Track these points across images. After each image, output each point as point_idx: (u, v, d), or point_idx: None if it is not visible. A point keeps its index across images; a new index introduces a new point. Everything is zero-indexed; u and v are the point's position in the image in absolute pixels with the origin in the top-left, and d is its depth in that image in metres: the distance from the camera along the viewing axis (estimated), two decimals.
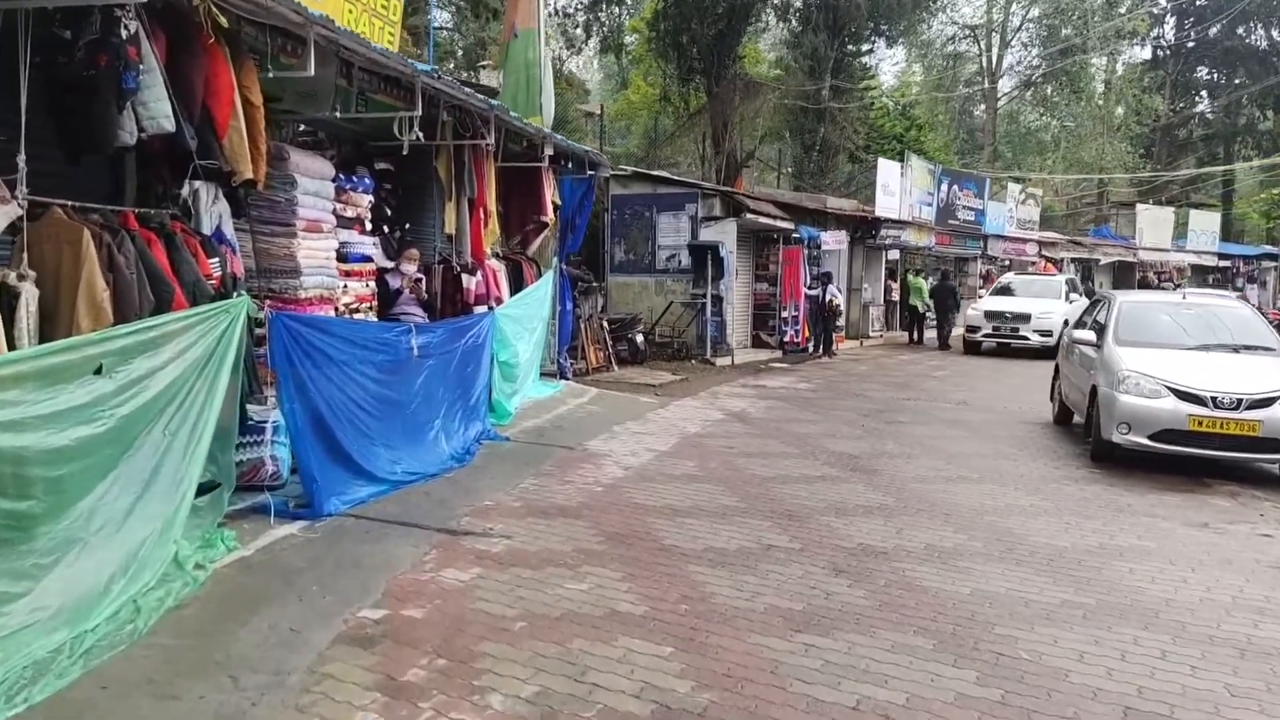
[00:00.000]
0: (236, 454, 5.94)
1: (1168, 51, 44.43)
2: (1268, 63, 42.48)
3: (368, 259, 8.25)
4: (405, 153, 8.13)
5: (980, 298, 24.63)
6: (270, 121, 6.41)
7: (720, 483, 7.75)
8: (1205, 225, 41.55)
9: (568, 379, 12.65)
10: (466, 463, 7.91)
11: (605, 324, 15.74)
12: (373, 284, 8.35)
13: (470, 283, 9.43)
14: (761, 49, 35.04)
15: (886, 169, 24.05)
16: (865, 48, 31.58)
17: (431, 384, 7.89)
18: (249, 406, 6.28)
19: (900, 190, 24.58)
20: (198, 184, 5.73)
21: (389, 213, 8.85)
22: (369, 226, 8.16)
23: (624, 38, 28.03)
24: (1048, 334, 20.47)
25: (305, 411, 6.08)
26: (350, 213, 7.84)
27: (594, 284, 18.99)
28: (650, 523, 6.46)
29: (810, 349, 20.18)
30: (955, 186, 28.01)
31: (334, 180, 7.55)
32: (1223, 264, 41.73)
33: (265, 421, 6.31)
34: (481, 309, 9.60)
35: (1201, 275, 41.67)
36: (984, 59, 42.42)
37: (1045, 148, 40.21)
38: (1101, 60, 41.37)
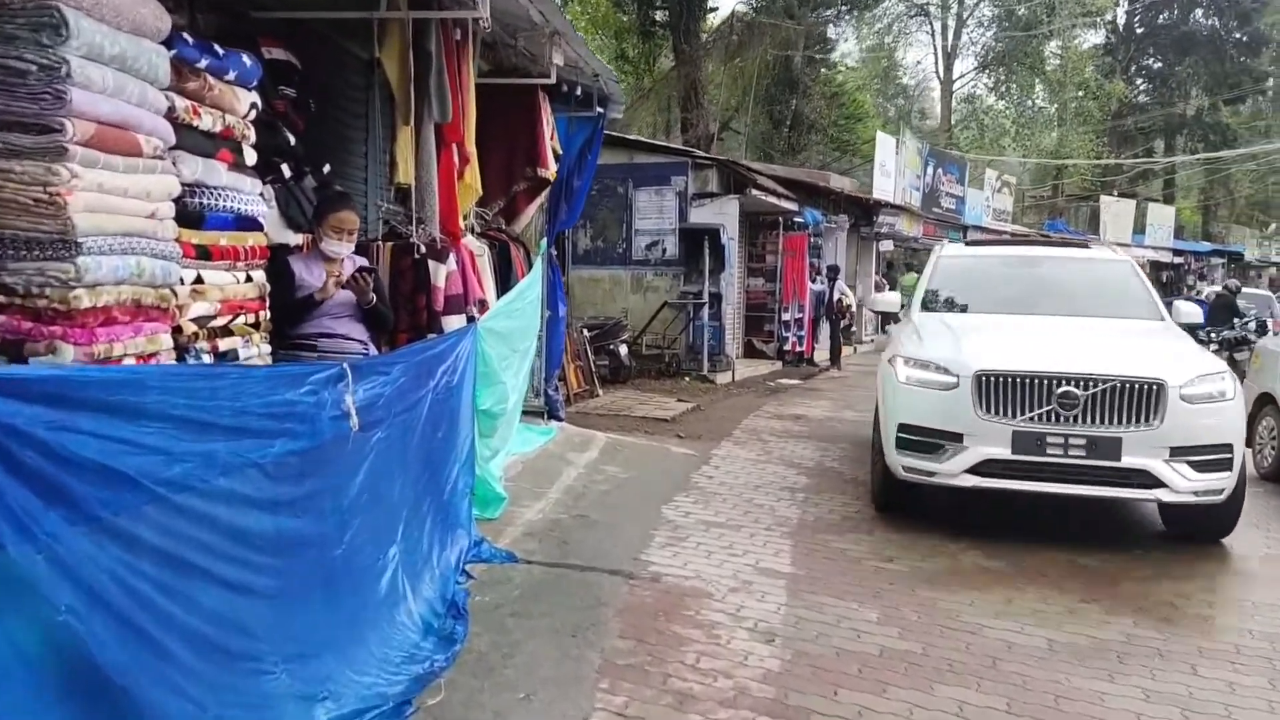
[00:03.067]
0: None
1: (1119, 38, 42.61)
2: (1221, 50, 41.01)
3: (252, 223, 4.10)
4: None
5: None
6: None
7: (957, 668, 3.94)
8: (1163, 219, 39.86)
9: (560, 418, 8.64)
10: (456, 642, 3.89)
11: (585, 332, 11.74)
12: (261, 276, 4.20)
13: (441, 274, 5.36)
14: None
15: (884, 145, 20.69)
16: (829, 12, 28.21)
17: (381, 482, 3.83)
18: None
19: (895, 170, 21.26)
20: None
21: (291, 141, 4.69)
22: (251, 158, 4.00)
23: None
24: None
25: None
26: (210, 123, 3.69)
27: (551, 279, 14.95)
28: None
29: (812, 359, 16.57)
30: (940, 170, 24.92)
31: (171, 46, 3.43)
32: (1176, 260, 40.13)
33: None
34: (455, 321, 5.55)
35: (1158, 272, 40.07)
36: (937, 41, 39.77)
37: (1004, 133, 37.72)
38: (1056, 45, 39.22)
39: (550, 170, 7.06)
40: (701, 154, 14.82)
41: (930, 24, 39.58)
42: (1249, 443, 7.31)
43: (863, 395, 12.95)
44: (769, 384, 14.06)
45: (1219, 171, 45.41)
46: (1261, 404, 8.21)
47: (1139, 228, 37.88)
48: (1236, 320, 15.00)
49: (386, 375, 3.90)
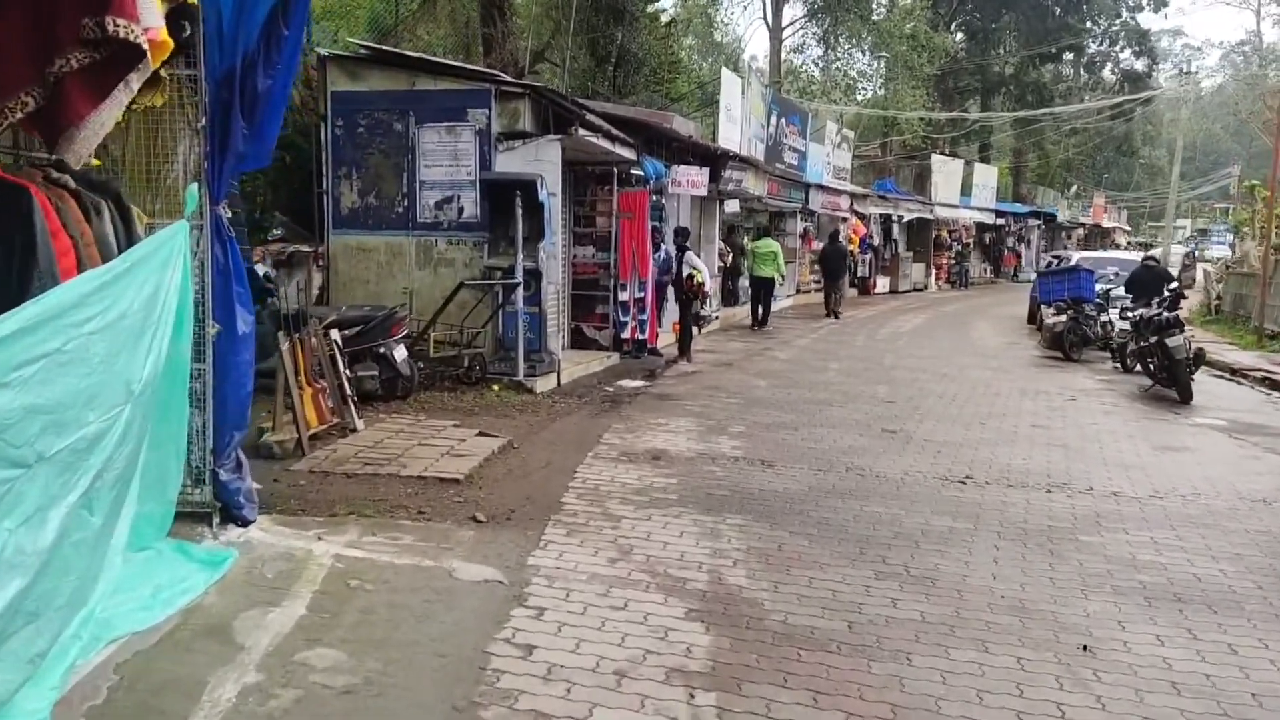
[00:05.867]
0: None
1: None
2: (1040, 7, 40.48)
3: None
4: None
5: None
6: None
7: None
8: (987, 180, 39.16)
9: (245, 519, 4.73)
10: None
11: (334, 335, 7.71)
12: None
13: None
14: None
15: (729, 85, 17.43)
16: None
17: None
18: None
19: (741, 117, 18.06)
20: None
21: None
22: None
23: None
24: None
25: None
26: None
27: (303, 250, 10.79)
28: None
29: (656, 349, 13.16)
30: (784, 120, 22.02)
31: None
32: (999, 222, 39.64)
33: None
34: None
35: (981, 234, 39.45)
36: None
37: (835, 85, 35.55)
38: None
39: (142, 27, 3.09)
40: (510, 80, 10.95)
41: None
42: None
43: (734, 406, 9.62)
44: (607, 389, 10.51)
45: (1033, 134, 45.50)
46: None
47: (965, 189, 36.92)
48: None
49: None
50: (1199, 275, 34.19)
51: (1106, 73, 50.81)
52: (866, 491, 6.59)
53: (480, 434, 7.64)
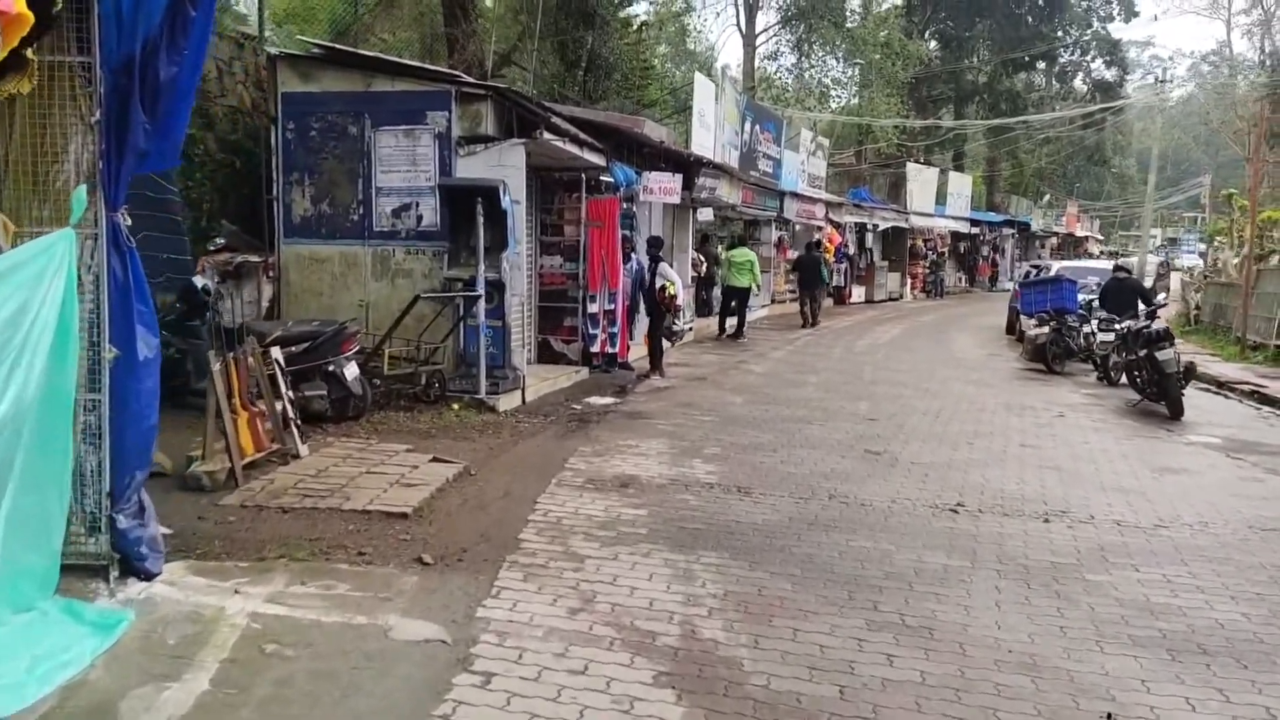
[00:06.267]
0: None
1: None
2: (1013, 15, 40.43)
3: None
4: None
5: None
6: None
7: None
8: (962, 188, 38.99)
9: (148, 573, 4.13)
10: None
11: (275, 353, 7.09)
12: None
13: None
14: None
15: (703, 90, 16.98)
16: None
17: None
18: None
19: (715, 123, 17.60)
20: None
21: None
22: None
23: None
24: None
25: None
26: None
27: (253, 260, 10.18)
28: None
29: (627, 363, 12.63)
30: (758, 127, 21.59)
31: None
32: (973, 231, 39.47)
33: None
34: None
35: (957, 243, 39.23)
36: None
37: (810, 93, 35.22)
38: (858, 3, 37.27)
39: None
40: (470, 81, 10.38)
41: None
42: None
43: (709, 424, 9.10)
44: (574, 407, 9.96)
45: (1006, 143, 45.47)
46: None
47: (940, 197, 36.72)
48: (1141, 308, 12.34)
49: None
50: (1175, 284, 34.15)
51: (1078, 82, 51.03)
52: (852, 522, 6.08)
53: (434, 460, 7.06)
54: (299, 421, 7.00)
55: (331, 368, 8.15)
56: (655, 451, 7.97)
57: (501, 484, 6.70)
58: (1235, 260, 21.20)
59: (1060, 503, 6.74)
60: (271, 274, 10.30)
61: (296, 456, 6.86)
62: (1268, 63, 40.35)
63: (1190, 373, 10.80)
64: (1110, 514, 6.48)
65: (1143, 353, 10.69)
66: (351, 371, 8.29)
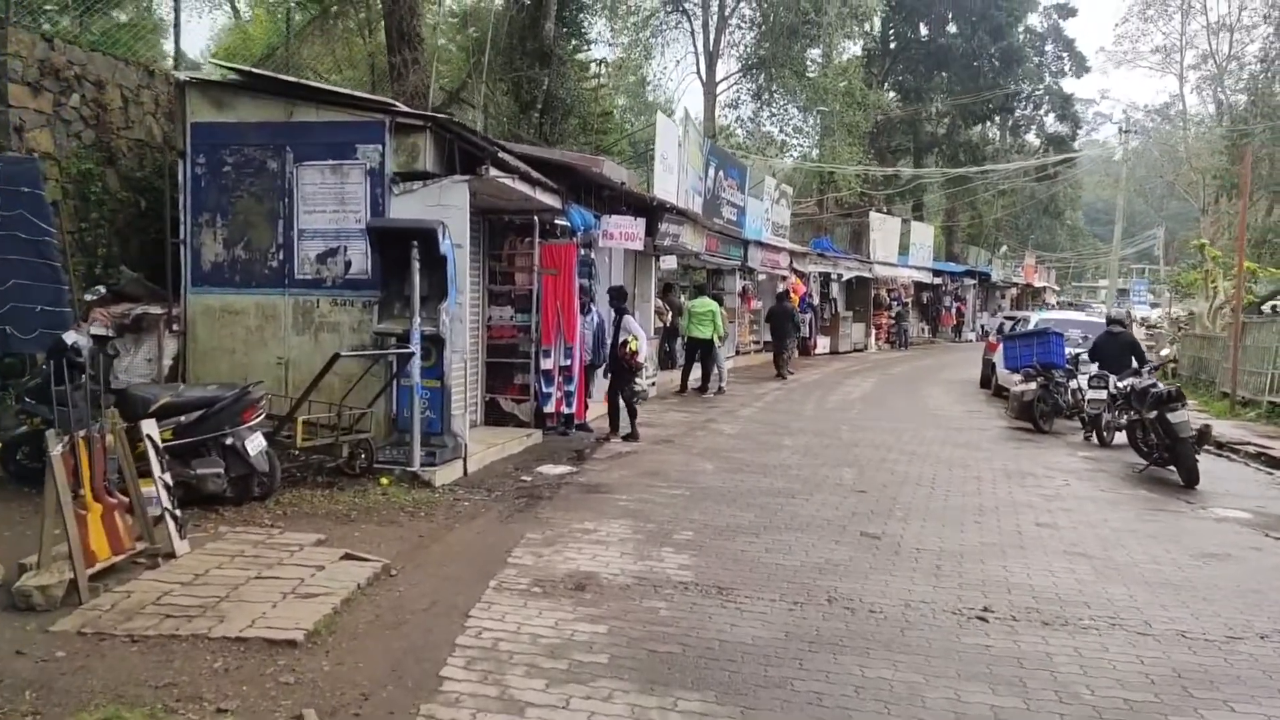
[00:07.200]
0: None
1: (877, 47, 41.24)
2: (970, 67, 40.54)
3: None
4: None
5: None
6: None
7: None
8: (924, 238, 38.61)
9: None
10: None
11: (149, 426, 5.75)
12: None
13: None
14: None
15: (666, 132, 16.03)
16: None
17: None
18: None
19: (678, 166, 16.64)
20: None
21: None
22: None
23: None
24: None
25: None
26: None
27: (154, 312, 8.87)
28: None
29: (585, 424, 11.41)
30: (722, 173, 20.71)
31: None
32: (936, 281, 39.05)
33: None
34: None
35: (919, 293, 38.75)
36: (698, 41, 36.31)
37: (770, 142, 34.72)
38: (818, 53, 37.01)
39: None
40: (407, 110, 9.23)
41: (690, 23, 36.02)
42: None
43: (679, 500, 7.87)
44: (524, 479, 8.70)
45: (965, 194, 45.44)
46: None
47: (903, 247, 36.26)
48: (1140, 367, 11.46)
49: None
50: (1138, 334, 33.78)
51: (1031, 136, 51.53)
52: (863, 639, 4.89)
53: (346, 557, 5.76)
54: (176, 512, 5.65)
55: (230, 440, 6.82)
56: (617, 538, 6.73)
57: (428, 588, 5.42)
58: (1210, 310, 20.65)
59: (1104, 605, 5.61)
60: (176, 328, 8.97)
61: (171, 556, 5.51)
62: (1224, 119, 40.72)
63: (1204, 437, 9.85)
64: (1169, 622, 5.36)
65: (1152, 414, 9.72)
66: (256, 444, 6.96)
